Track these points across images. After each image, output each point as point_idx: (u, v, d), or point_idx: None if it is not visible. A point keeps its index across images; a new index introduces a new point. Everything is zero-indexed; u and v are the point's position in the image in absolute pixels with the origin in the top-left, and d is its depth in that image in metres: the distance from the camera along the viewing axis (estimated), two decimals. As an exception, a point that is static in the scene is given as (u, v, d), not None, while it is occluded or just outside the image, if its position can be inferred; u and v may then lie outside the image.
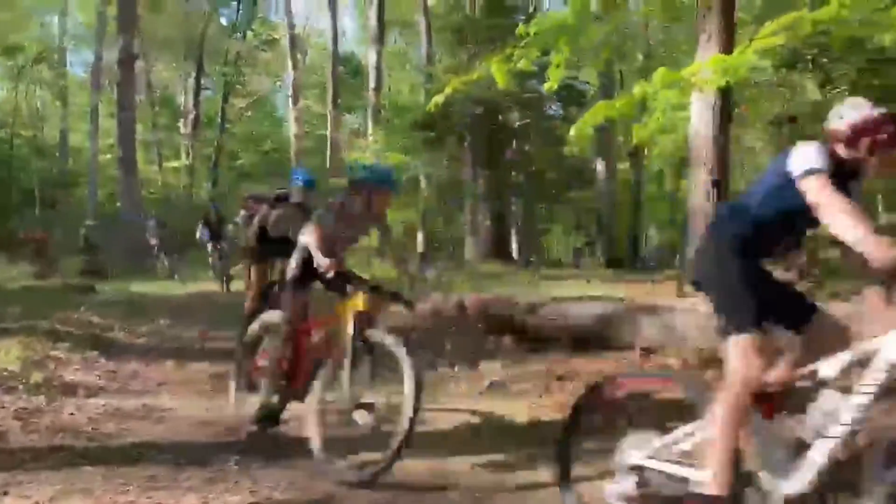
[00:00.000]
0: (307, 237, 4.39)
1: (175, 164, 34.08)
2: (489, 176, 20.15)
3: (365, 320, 4.10)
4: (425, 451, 4.25)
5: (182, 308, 10.98)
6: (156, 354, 7.35)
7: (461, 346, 7.28)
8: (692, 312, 6.30)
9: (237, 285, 12.48)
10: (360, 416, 4.05)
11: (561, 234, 26.29)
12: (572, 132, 5.27)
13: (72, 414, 4.93)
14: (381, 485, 3.74)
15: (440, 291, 9.98)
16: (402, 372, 3.83)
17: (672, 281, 9.84)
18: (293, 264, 4.59)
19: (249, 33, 35.89)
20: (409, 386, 3.79)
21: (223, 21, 36.55)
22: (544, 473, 3.75)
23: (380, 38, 25.44)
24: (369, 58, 25.94)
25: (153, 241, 17.66)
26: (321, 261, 4.17)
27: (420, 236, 22.01)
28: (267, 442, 4.48)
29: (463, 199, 20.83)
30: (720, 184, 7.72)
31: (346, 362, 4.05)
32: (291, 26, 29.98)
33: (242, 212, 9.97)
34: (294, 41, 29.77)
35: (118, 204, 23.31)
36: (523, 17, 18.13)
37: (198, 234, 14.93)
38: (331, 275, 4.19)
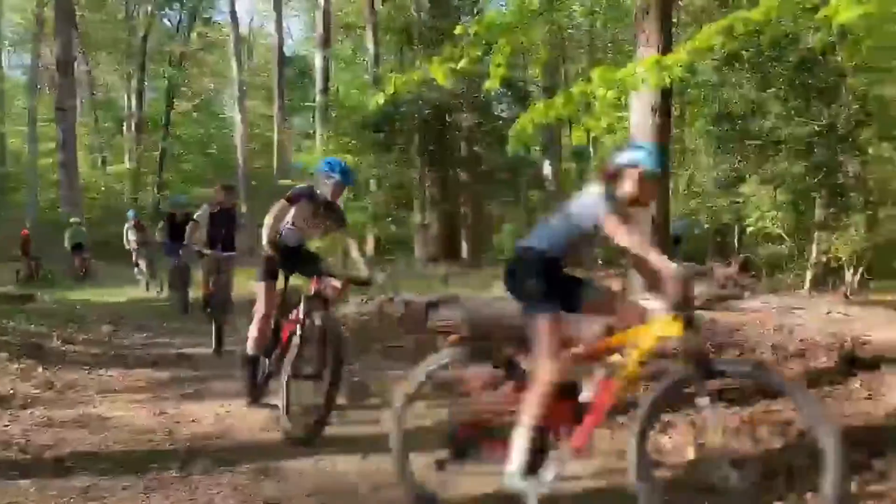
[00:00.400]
0: (619, 235, 3.11)
1: (119, 167, 33.37)
2: (438, 177, 20.18)
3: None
4: (375, 453, 4.25)
5: (124, 315, 10.76)
6: (96, 362, 7.18)
7: (408, 346, 7.30)
8: (633, 309, 6.40)
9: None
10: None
11: (511, 235, 26.42)
12: (512, 131, 5.29)
13: (6, 426, 4.79)
14: (323, 487, 3.74)
15: (389, 293, 10.00)
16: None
17: (614, 278, 9.97)
18: (534, 275, 3.32)
19: (193, 34, 35.32)
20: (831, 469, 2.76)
21: (167, 22, 35.96)
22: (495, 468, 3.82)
23: (326, 39, 25.29)
24: (316, 58, 25.78)
25: (133, 247, 14.68)
26: (672, 269, 2.96)
27: (370, 239, 21.94)
28: (211, 448, 4.42)
29: (412, 200, 20.83)
30: (661, 182, 7.86)
31: (709, 410, 3.01)
32: (236, 27, 29.63)
33: (205, 206, 8.48)
34: (239, 42, 29.43)
35: (60, 209, 22.78)
36: (469, 18, 18.20)
37: (158, 236, 12.37)
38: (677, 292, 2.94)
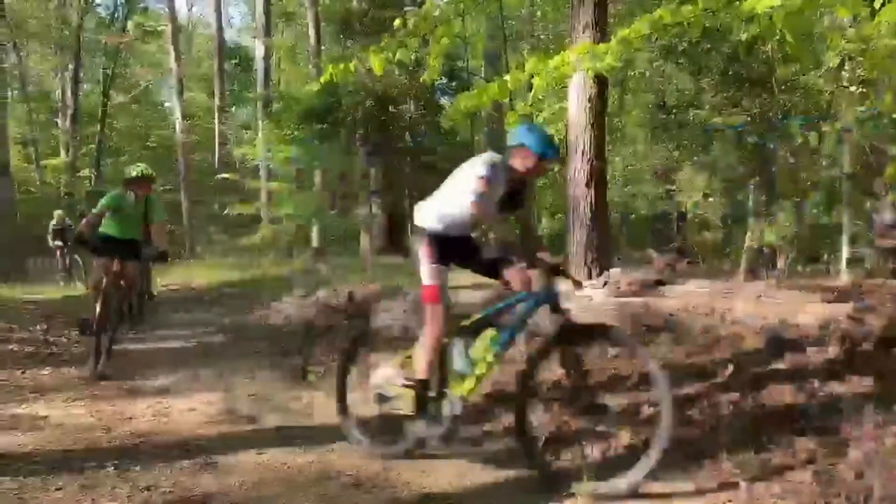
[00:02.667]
0: None
1: (55, 161, 32.44)
2: (383, 168, 20.13)
3: None
4: (311, 444, 4.29)
5: (58, 312, 10.51)
6: (30, 361, 7.03)
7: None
8: (569, 293, 6.52)
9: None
10: None
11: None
12: (449, 110, 5.36)
13: (-67, 429, 4.68)
14: (265, 480, 3.76)
15: (333, 285, 9.97)
16: None
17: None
18: None
19: (130, 24, 34.45)
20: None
21: (101, 11, 35.04)
22: (431, 462, 3.88)
23: (267, 29, 24.99)
24: (257, 48, 25.44)
25: None
26: None
27: (314, 231, 21.78)
28: (149, 444, 4.39)
29: (357, 192, 20.73)
30: (597, 170, 8.00)
31: None
32: (174, 17, 29.00)
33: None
34: (177, 32, 28.81)
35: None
36: (410, 9, 18.13)
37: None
38: None
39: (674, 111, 12.41)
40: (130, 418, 5.00)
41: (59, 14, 31.26)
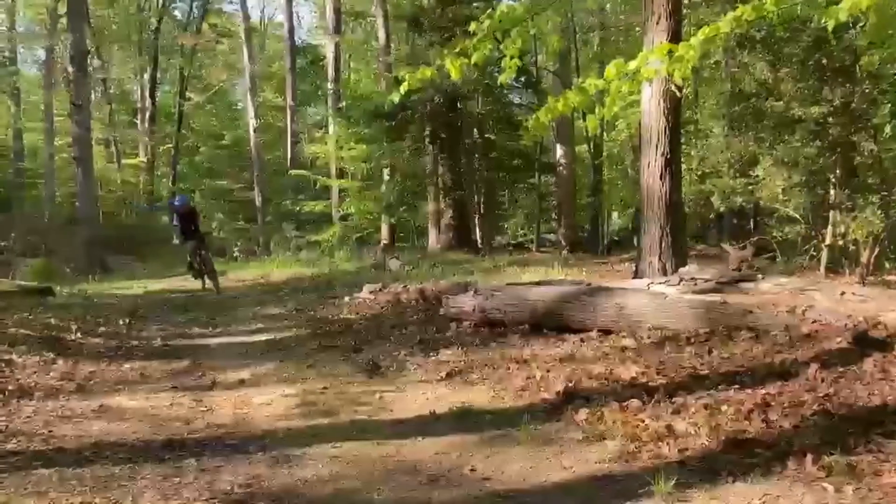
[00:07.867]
0: None
1: (134, 161, 33.58)
2: (451, 165, 20.18)
3: None
4: (385, 437, 4.32)
5: (141, 307, 10.88)
6: (115, 354, 7.28)
7: (421, 333, 7.36)
8: (644, 293, 6.41)
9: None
10: None
11: (523, 221, 26.45)
12: (530, 124, 5.27)
13: (28, 417, 4.89)
14: (340, 473, 3.79)
15: (403, 280, 10.05)
16: None
17: (630, 262, 9.96)
18: None
19: (204, 26, 35.38)
20: None
21: (177, 14, 36.09)
22: (505, 458, 3.84)
23: (337, 28, 25.30)
24: (327, 47, 25.79)
25: None
26: None
27: (384, 227, 22.01)
28: (228, 437, 4.49)
29: (425, 188, 20.83)
30: (672, 164, 7.85)
31: None
32: (247, 18, 29.64)
33: None
34: (250, 33, 29.44)
35: (76, 203, 22.93)
36: (479, 5, 18.12)
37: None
38: None
39: (751, 102, 12.03)
40: (210, 410, 5.13)
41: (139, 18, 32.31)
